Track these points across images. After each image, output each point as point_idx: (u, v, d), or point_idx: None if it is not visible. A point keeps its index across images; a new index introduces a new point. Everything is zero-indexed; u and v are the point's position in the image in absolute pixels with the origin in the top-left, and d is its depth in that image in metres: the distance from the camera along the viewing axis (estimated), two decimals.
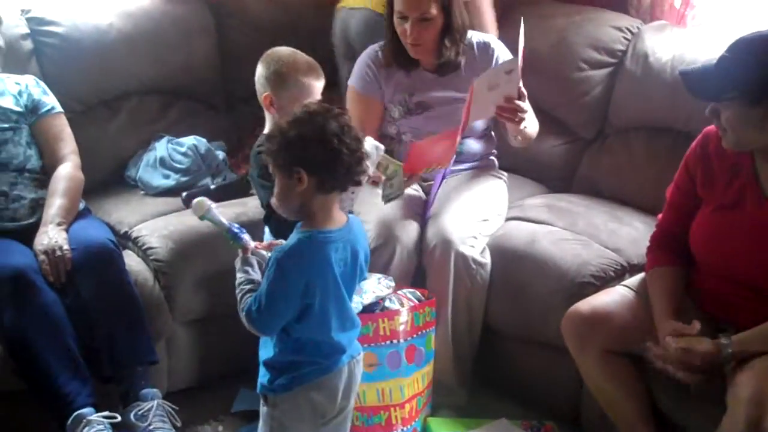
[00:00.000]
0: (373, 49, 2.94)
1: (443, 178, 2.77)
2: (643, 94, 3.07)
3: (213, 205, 2.21)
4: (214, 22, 3.41)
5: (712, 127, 2.23)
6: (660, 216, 2.42)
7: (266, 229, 2.53)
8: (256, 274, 2.12)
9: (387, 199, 2.63)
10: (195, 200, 2.24)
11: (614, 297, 2.39)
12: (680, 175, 2.35)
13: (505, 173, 3.06)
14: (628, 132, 3.17)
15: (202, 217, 2.20)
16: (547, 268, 2.67)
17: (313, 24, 3.48)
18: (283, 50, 2.54)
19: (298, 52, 2.54)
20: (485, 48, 2.90)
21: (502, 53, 2.91)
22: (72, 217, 2.66)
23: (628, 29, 3.22)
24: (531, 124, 2.77)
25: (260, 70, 2.51)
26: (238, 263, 2.14)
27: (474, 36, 2.92)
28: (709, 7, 3.24)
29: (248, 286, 2.08)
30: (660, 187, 2.48)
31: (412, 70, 2.89)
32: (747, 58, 2.02)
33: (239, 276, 2.12)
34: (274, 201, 2.07)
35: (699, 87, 2.12)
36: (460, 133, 2.59)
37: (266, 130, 2.51)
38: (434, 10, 2.74)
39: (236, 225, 2.18)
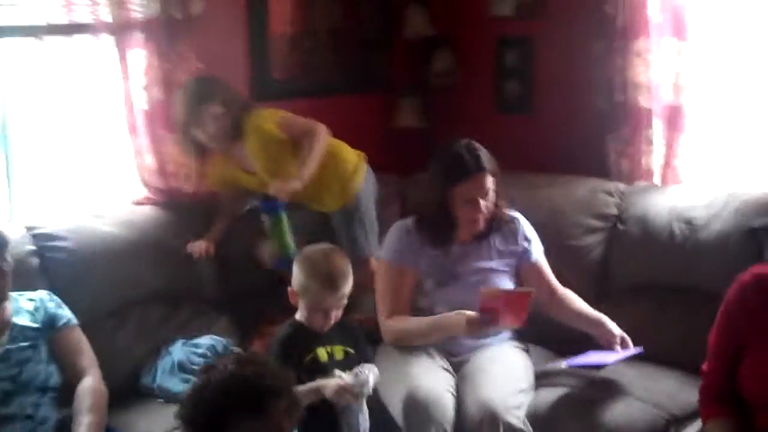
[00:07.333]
0: (404, 223, 3.00)
1: None
2: (645, 254, 3.19)
3: None
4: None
5: (745, 276, 2.32)
6: (704, 367, 2.45)
7: None
8: None
9: None
10: None
11: None
12: (721, 327, 2.37)
13: (526, 344, 3.07)
14: (634, 293, 3.25)
15: None
16: (593, 430, 2.67)
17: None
18: (316, 253, 2.61)
19: (330, 257, 2.59)
20: (512, 219, 3.03)
21: (526, 226, 3.04)
22: None
23: (616, 193, 3.40)
24: None
25: (294, 266, 2.60)
26: None
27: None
28: (688, 164, 3.41)
29: None
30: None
31: (445, 246, 2.95)
32: None
33: None
34: None
35: None
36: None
37: (297, 316, 2.59)
38: (491, 184, 2.88)
39: None
